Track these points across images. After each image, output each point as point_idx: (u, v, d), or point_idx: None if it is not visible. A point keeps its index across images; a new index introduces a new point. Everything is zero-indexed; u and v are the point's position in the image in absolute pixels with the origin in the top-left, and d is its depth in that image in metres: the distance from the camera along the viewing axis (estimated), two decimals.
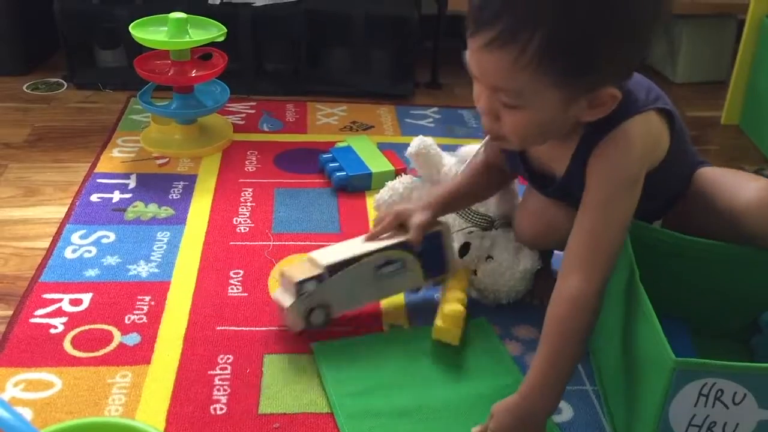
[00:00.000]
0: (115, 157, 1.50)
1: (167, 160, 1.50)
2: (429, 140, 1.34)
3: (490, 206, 1.23)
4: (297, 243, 1.27)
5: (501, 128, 0.86)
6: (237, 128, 1.63)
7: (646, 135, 0.89)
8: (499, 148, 1.05)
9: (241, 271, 1.19)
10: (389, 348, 1.05)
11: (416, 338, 1.07)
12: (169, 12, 1.46)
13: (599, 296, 0.86)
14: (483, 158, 1.12)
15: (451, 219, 1.25)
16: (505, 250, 1.13)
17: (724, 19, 1.94)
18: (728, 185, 0.99)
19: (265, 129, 1.65)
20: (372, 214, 1.36)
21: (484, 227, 1.20)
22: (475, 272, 1.14)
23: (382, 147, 1.53)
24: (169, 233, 1.27)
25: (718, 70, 1.94)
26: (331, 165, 1.45)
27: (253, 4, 1.76)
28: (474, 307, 1.12)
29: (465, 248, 1.13)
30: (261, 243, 1.26)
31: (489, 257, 1.12)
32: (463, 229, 1.22)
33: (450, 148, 1.33)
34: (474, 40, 0.81)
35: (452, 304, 1.07)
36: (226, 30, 1.50)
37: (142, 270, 1.18)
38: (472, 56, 0.82)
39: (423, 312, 1.13)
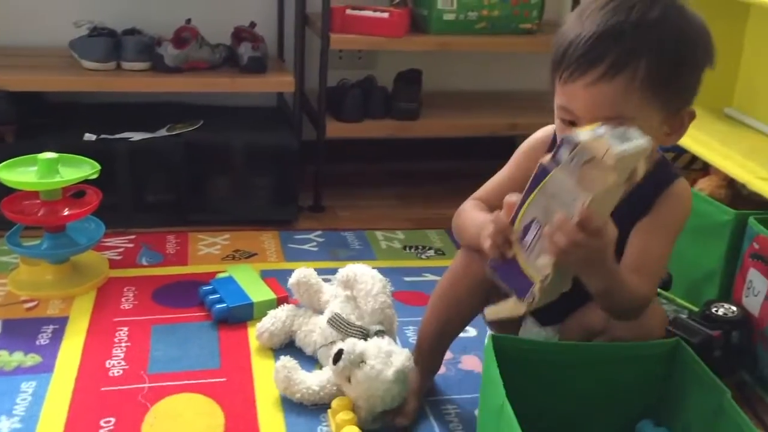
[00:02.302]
0: None
1: (36, 302, 1.43)
2: (309, 271, 1.38)
3: (365, 317, 1.24)
4: (174, 383, 1.22)
5: None
6: (114, 264, 1.59)
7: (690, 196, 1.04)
8: None
9: (113, 419, 1.13)
10: None
11: None
12: (41, 151, 1.44)
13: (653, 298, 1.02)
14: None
15: (328, 331, 1.25)
16: (378, 352, 1.14)
17: None
18: None
19: (144, 263, 1.61)
20: (254, 345, 1.34)
21: (360, 338, 1.20)
22: (348, 380, 1.13)
23: (265, 275, 1.53)
24: (35, 383, 1.20)
25: None
26: (211, 297, 1.43)
27: (131, 139, 1.76)
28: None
29: (338, 355, 1.13)
30: (135, 386, 1.21)
31: (362, 362, 1.13)
32: (335, 341, 1.22)
33: (334, 272, 1.34)
34: (584, 79, 0.91)
35: (349, 429, 1.06)
36: (99, 167, 1.49)
37: (3, 427, 1.10)
38: (582, 95, 0.91)
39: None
